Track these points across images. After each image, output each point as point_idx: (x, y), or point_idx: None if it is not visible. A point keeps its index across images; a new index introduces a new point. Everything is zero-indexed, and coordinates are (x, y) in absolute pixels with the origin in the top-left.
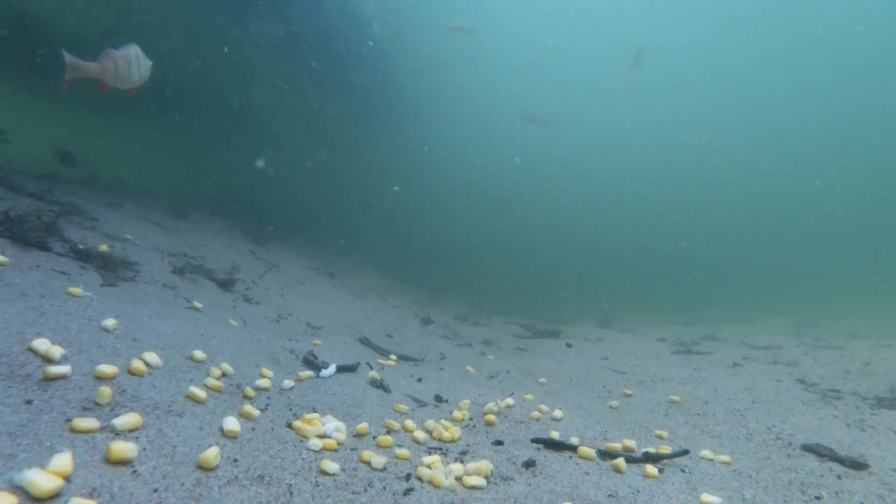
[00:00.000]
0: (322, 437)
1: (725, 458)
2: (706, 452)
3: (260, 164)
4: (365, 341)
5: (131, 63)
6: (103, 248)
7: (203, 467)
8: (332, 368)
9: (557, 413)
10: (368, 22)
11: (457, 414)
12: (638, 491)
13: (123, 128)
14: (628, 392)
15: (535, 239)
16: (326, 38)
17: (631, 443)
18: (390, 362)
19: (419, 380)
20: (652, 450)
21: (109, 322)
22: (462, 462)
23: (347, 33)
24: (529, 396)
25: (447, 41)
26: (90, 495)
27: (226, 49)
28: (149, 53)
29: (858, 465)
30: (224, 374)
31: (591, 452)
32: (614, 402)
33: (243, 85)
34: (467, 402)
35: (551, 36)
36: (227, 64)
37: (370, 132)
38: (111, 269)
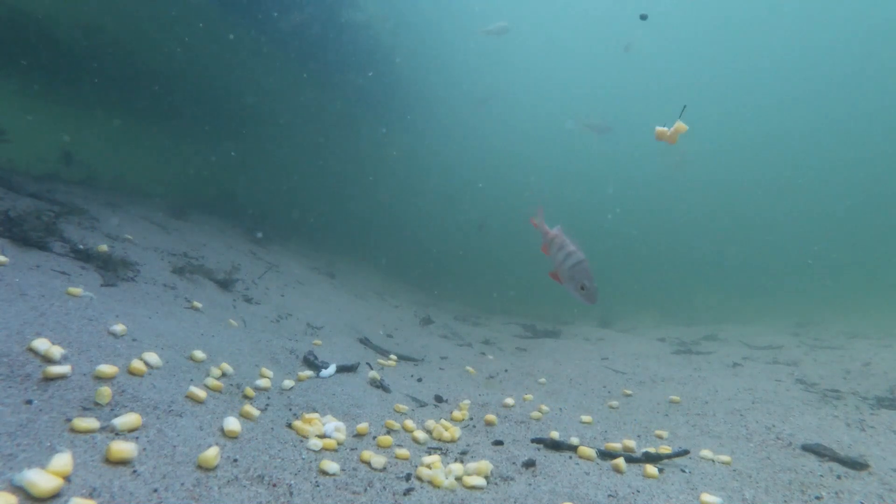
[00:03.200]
0: (322, 437)
1: (725, 458)
2: (706, 452)
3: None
4: (365, 341)
5: (557, 250)
6: (103, 248)
7: (203, 467)
8: (332, 368)
9: (586, 418)
10: (370, 23)
11: (457, 414)
12: (638, 491)
13: (124, 128)
14: (628, 392)
15: (535, 239)
16: (328, 38)
17: (631, 443)
18: (390, 362)
19: (419, 380)
20: (652, 450)
21: (118, 327)
22: (462, 462)
23: (349, 34)
24: (529, 396)
25: (449, 45)
26: (90, 495)
27: (228, 49)
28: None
29: (858, 465)
30: (224, 374)
31: (591, 452)
32: (614, 402)
33: (244, 85)
34: (467, 402)
35: (550, 36)
36: (227, 64)
37: (370, 133)
38: (111, 269)
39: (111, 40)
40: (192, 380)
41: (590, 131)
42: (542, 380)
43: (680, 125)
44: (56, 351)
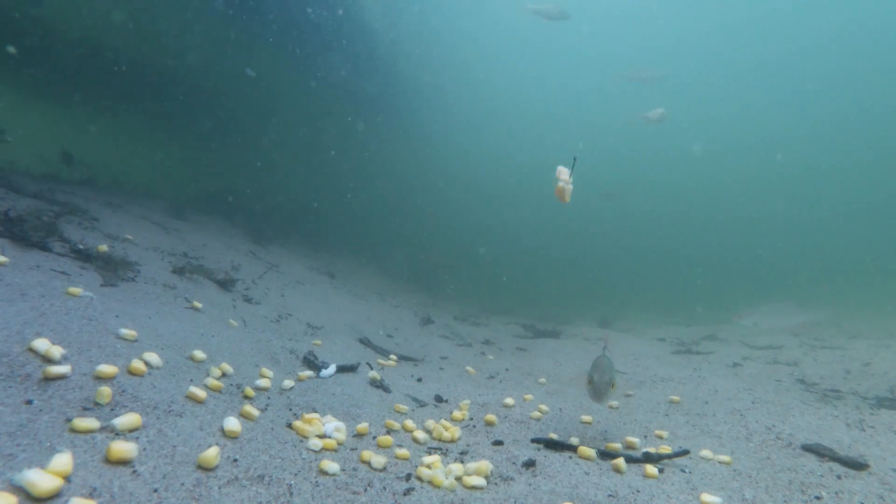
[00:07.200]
0: (322, 437)
1: (725, 458)
2: (706, 452)
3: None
4: (365, 341)
5: (598, 383)
6: (103, 248)
7: (203, 467)
8: (332, 368)
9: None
10: (370, 24)
11: (457, 414)
12: (638, 491)
13: (124, 128)
14: (628, 392)
15: (536, 239)
16: (327, 37)
17: (633, 440)
18: (390, 362)
19: (419, 380)
20: (652, 450)
21: (124, 330)
22: (462, 462)
23: (349, 34)
24: (529, 396)
25: (450, 45)
26: (90, 495)
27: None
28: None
29: (858, 465)
30: (224, 374)
31: (591, 452)
32: (614, 402)
33: (244, 85)
34: (467, 402)
35: (552, 35)
36: (227, 64)
37: (371, 133)
38: (111, 269)
39: (112, 41)
40: (192, 380)
41: (647, 121)
42: (542, 380)
43: (564, 182)
44: (56, 351)
